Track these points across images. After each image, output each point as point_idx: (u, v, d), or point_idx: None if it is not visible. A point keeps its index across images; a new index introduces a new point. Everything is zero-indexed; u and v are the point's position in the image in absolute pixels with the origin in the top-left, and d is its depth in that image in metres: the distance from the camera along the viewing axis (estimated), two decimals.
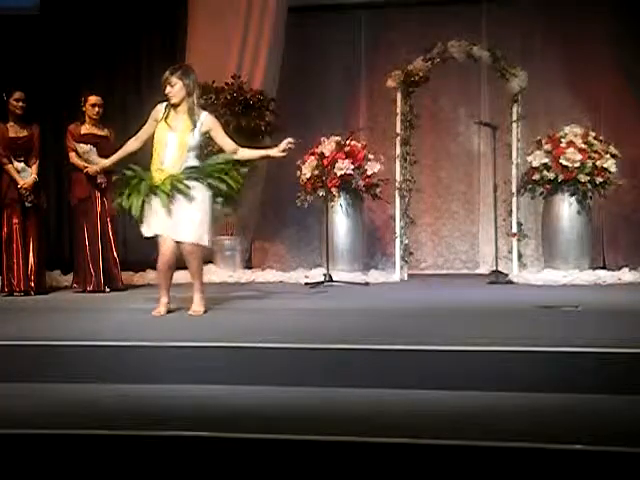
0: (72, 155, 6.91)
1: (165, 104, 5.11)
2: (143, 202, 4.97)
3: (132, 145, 5.27)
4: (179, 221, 4.95)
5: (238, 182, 5.16)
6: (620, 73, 8.81)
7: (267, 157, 5.43)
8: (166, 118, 5.05)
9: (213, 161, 5.16)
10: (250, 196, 8.84)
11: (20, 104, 6.81)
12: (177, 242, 5.01)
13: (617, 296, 6.36)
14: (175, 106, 5.05)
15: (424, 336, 4.02)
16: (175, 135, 5.01)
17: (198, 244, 5.01)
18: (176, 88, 5.00)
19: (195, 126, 5.02)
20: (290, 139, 5.07)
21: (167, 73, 5.03)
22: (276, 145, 5.24)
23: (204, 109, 5.26)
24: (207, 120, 5.11)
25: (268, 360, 3.67)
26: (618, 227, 8.93)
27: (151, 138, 5.10)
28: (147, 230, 5.05)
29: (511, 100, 7.87)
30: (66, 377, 3.68)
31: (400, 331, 4.24)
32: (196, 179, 4.99)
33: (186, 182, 4.94)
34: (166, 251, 5.00)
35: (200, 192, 4.99)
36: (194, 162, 5.08)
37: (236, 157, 5.19)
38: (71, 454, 2.77)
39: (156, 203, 4.95)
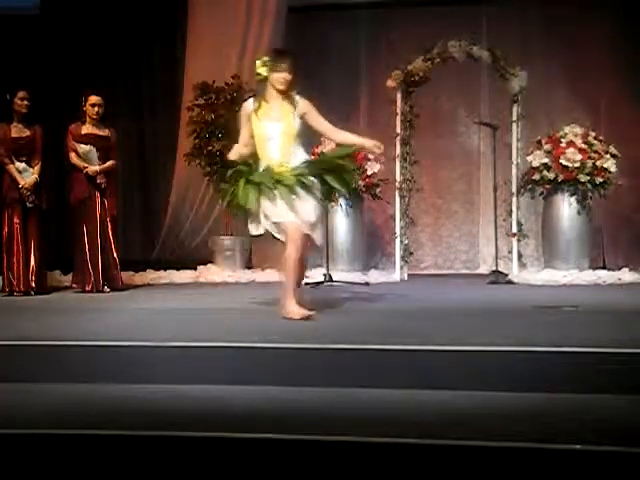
0: (72, 155, 6.91)
1: (252, 99, 4.83)
2: (259, 194, 4.64)
3: (244, 151, 4.86)
4: (302, 211, 4.65)
5: (351, 180, 4.94)
6: (620, 73, 8.82)
7: (362, 147, 5.06)
8: (257, 110, 4.76)
9: (329, 156, 4.95)
10: None
11: (25, 102, 6.82)
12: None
13: (617, 296, 6.36)
14: (271, 97, 4.76)
15: (424, 336, 4.02)
16: (278, 125, 4.72)
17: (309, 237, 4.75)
18: (290, 76, 4.72)
19: (295, 109, 4.75)
20: (379, 147, 4.87)
21: (286, 65, 4.69)
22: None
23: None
24: (302, 103, 4.79)
25: (268, 360, 3.67)
26: (618, 227, 8.94)
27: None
28: (257, 228, 4.76)
29: (511, 100, 7.87)
30: (66, 377, 3.67)
31: (400, 331, 4.24)
32: (313, 175, 4.74)
33: (309, 177, 4.70)
34: (298, 238, 4.62)
35: (316, 187, 4.77)
36: (304, 154, 4.83)
37: (337, 140, 5.00)
38: (71, 454, 2.77)
39: (272, 195, 4.63)
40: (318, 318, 4.60)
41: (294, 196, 4.62)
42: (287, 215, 4.64)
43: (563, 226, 7.59)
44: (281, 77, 4.71)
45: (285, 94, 4.75)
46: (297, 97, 4.79)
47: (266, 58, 4.77)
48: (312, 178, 4.71)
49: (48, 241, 7.42)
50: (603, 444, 2.57)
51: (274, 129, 4.72)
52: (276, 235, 4.75)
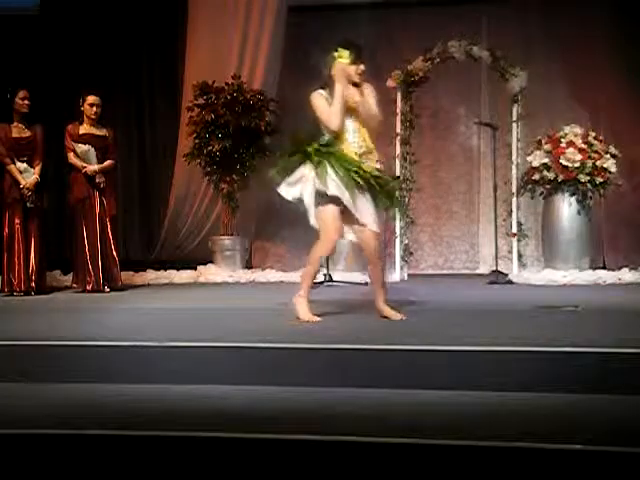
0: (71, 155, 6.91)
1: (322, 90, 4.68)
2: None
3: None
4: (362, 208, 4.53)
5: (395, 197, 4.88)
6: (620, 73, 8.81)
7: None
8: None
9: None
10: (250, 196, 8.85)
11: (26, 102, 6.82)
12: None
13: (617, 296, 6.36)
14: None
15: (424, 336, 4.02)
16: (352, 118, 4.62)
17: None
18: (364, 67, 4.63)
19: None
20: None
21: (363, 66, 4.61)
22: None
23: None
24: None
25: (268, 360, 3.67)
26: (618, 227, 8.93)
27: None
28: (288, 192, 4.69)
29: (511, 100, 7.88)
30: (66, 377, 3.68)
31: (400, 331, 4.24)
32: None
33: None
34: (375, 248, 4.57)
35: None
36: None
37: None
38: (71, 454, 2.77)
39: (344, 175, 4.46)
40: (319, 321, 4.59)
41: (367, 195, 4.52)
42: (372, 223, 4.53)
43: (563, 226, 7.59)
44: (359, 69, 4.63)
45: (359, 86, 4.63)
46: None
47: (344, 51, 4.64)
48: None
49: (48, 241, 7.43)
50: (603, 444, 2.57)
51: (349, 122, 4.61)
52: (311, 220, 4.63)
